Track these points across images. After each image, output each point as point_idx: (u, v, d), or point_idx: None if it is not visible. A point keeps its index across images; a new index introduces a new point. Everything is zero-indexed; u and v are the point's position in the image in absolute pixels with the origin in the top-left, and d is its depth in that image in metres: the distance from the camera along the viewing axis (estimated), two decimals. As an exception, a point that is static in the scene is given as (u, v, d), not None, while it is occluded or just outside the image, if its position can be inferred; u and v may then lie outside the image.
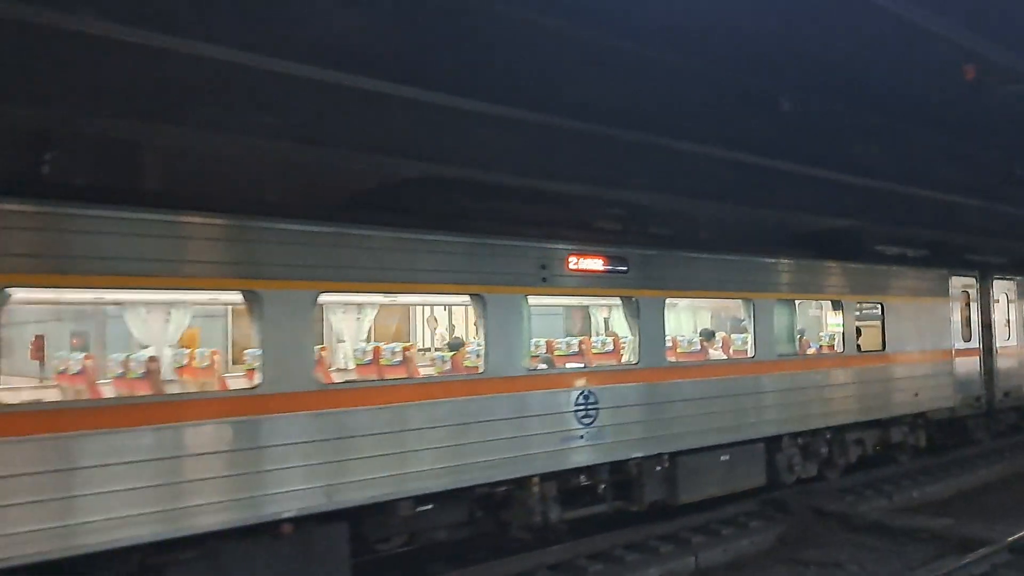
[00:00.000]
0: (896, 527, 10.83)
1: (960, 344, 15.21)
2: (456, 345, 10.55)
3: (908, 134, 13.43)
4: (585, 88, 9.62)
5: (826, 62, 10.28)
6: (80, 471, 5.99)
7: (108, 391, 8.52)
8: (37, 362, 10.11)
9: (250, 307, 7.11)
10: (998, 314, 16.30)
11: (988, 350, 15.97)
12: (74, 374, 8.57)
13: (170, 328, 9.48)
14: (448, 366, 9.84)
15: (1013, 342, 16.71)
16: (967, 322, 15.53)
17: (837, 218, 14.85)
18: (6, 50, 6.74)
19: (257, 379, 7.09)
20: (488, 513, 8.85)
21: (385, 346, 10.37)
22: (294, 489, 6.97)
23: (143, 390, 8.33)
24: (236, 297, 7.49)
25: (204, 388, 8.70)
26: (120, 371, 8.75)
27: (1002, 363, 16.14)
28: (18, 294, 6.22)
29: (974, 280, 15.96)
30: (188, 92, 7.83)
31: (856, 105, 12.15)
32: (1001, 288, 16.55)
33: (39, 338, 10.26)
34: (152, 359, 8.69)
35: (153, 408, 6.66)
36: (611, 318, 13.47)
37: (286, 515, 6.91)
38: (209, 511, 6.52)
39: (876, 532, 10.78)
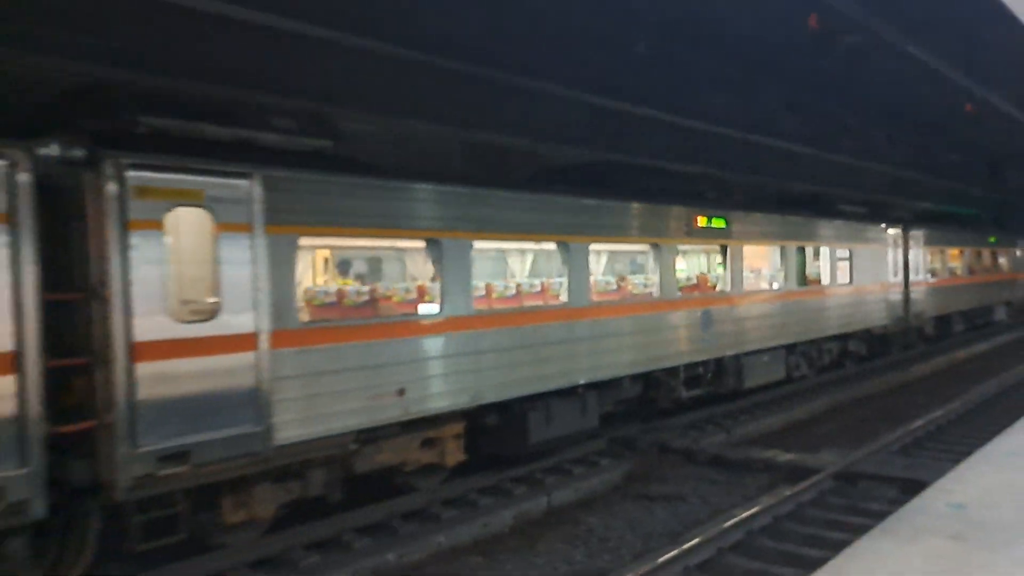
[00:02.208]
0: (734, 460, 11.43)
1: (891, 279, 19.75)
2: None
3: (756, 84, 13.85)
4: (444, 19, 9.18)
5: (682, 7, 10.33)
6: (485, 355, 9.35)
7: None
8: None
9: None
10: (912, 256, 20.85)
11: (906, 283, 20.56)
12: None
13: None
14: (616, 293, 13.63)
15: (921, 277, 21.45)
16: (894, 262, 20.01)
17: (688, 165, 15.20)
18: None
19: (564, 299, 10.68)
20: (649, 391, 12.37)
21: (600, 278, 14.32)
22: (584, 369, 10.69)
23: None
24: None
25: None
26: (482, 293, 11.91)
27: (914, 293, 20.97)
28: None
29: (900, 230, 20.29)
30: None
31: (709, 53, 12.35)
32: (915, 237, 21.05)
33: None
34: (518, 285, 12.79)
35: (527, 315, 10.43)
36: (716, 260, 16.45)
37: (582, 382, 10.68)
38: (553, 378, 10.22)
39: (716, 465, 11.35)
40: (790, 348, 15.49)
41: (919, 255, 21.25)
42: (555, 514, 9.57)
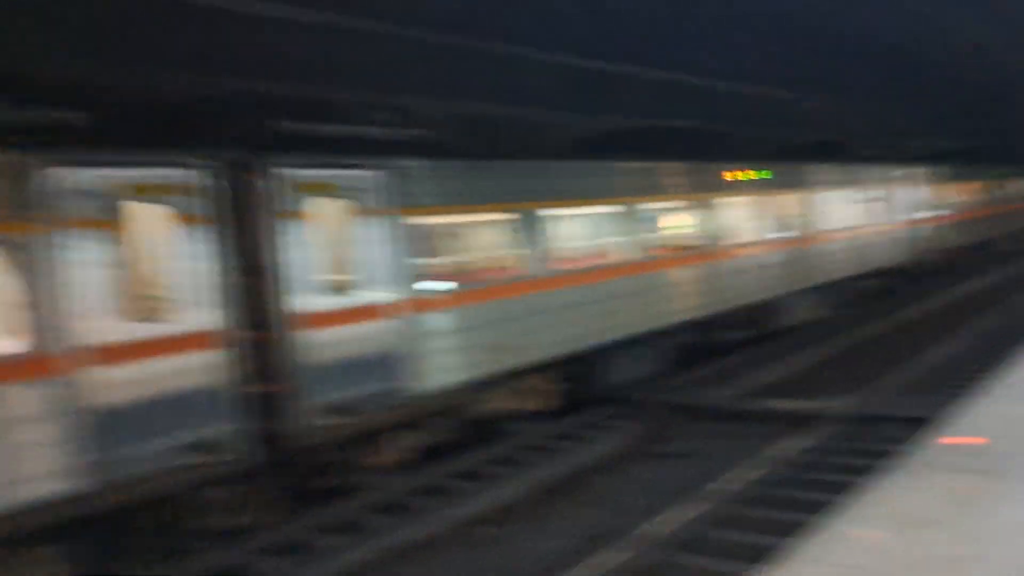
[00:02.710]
0: (742, 412, 11.45)
1: (917, 216, 21.79)
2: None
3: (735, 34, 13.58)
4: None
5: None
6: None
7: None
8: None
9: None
10: (933, 194, 23.13)
11: (928, 219, 22.71)
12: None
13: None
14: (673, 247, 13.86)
15: (942, 212, 23.70)
16: (918, 200, 22.11)
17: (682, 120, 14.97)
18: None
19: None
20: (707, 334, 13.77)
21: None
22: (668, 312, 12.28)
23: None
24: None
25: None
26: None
27: (937, 228, 23.19)
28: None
29: (922, 169, 22.38)
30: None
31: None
32: (931, 175, 23.05)
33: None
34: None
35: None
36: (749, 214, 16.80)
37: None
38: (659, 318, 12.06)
39: (725, 419, 11.36)
40: (831, 286, 17.06)
41: (939, 192, 23.32)
42: (568, 480, 9.59)
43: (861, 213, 18.99)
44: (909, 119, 21.99)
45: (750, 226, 15.16)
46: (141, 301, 6.76)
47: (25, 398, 5.90)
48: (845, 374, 14.04)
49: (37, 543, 6.14)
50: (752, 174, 14.76)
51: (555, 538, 7.99)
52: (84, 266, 6.29)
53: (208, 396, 6.89)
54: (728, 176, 14.30)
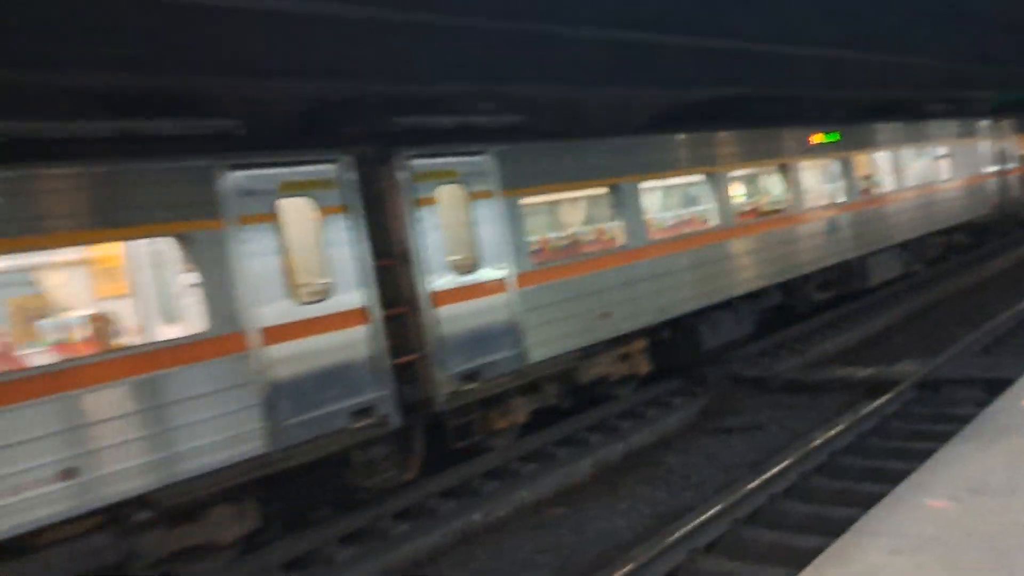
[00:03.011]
0: (810, 382, 11.26)
1: (987, 170, 21.14)
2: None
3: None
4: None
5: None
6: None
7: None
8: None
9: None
10: (1004, 147, 22.32)
11: (1001, 173, 21.95)
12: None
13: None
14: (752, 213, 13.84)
15: (1012, 165, 22.93)
16: (989, 154, 21.34)
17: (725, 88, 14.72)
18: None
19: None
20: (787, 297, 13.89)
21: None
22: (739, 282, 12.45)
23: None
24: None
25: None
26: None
27: (1009, 182, 22.53)
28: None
29: (991, 122, 21.65)
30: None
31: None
32: (1003, 127, 22.48)
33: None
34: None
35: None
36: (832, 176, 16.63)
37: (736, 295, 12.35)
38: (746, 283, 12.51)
39: (791, 390, 11.20)
40: (903, 246, 16.92)
41: (1010, 145, 22.53)
42: (633, 458, 9.61)
43: (939, 169, 18.78)
44: (983, 70, 21.17)
45: (829, 188, 15.25)
46: (302, 285, 7.57)
47: (219, 372, 6.75)
48: (918, 336, 13.68)
49: (229, 499, 7.01)
50: (828, 137, 14.80)
51: (624, 515, 8.04)
52: (256, 256, 7.09)
53: (362, 367, 7.72)
54: (807, 140, 14.41)
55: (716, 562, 6.54)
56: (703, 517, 6.91)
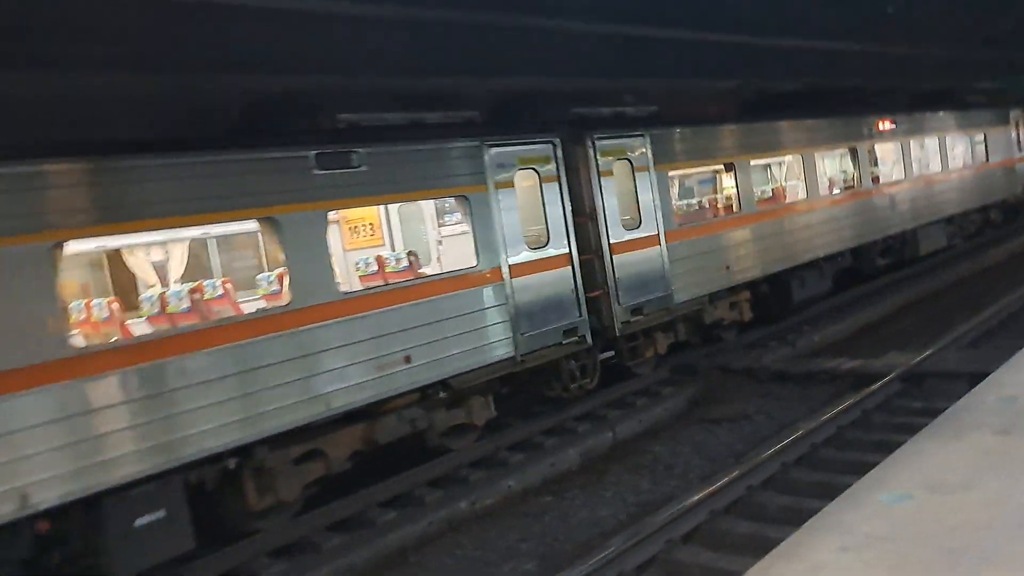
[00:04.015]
0: (798, 373, 11.40)
1: (1017, 154, 22.99)
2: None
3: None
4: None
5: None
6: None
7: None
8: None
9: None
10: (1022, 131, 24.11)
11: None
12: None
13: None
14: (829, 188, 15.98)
15: None
16: (1017, 140, 23.21)
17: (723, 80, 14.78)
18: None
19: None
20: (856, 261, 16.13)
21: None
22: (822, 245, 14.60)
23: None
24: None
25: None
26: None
27: None
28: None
29: (1020, 111, 23.64)
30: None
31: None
32: None
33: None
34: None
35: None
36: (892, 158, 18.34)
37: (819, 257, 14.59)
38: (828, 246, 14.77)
39: (780, 381, 11.34)
40: (949, 220, 19.02)
41: None
42: (620, 447, 9.80)
43: (977, 153, 20.97)
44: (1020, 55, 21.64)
45: (890, 168, 17.39)
46: (530, 236, 9.89)
47: (485, 296, 9.29)
48: (910, 326, 13.78)
49: (479, 392, 9.45)
50: (888, 123, 17.08)
51: (608, 504, 8.23)
52: (505, 212, 9.50)
53: (568, 298, 10.17)
54: (873, 127, 16.66)
55: (692, 552, 6.71)
56: (680, 507, 7.09)
